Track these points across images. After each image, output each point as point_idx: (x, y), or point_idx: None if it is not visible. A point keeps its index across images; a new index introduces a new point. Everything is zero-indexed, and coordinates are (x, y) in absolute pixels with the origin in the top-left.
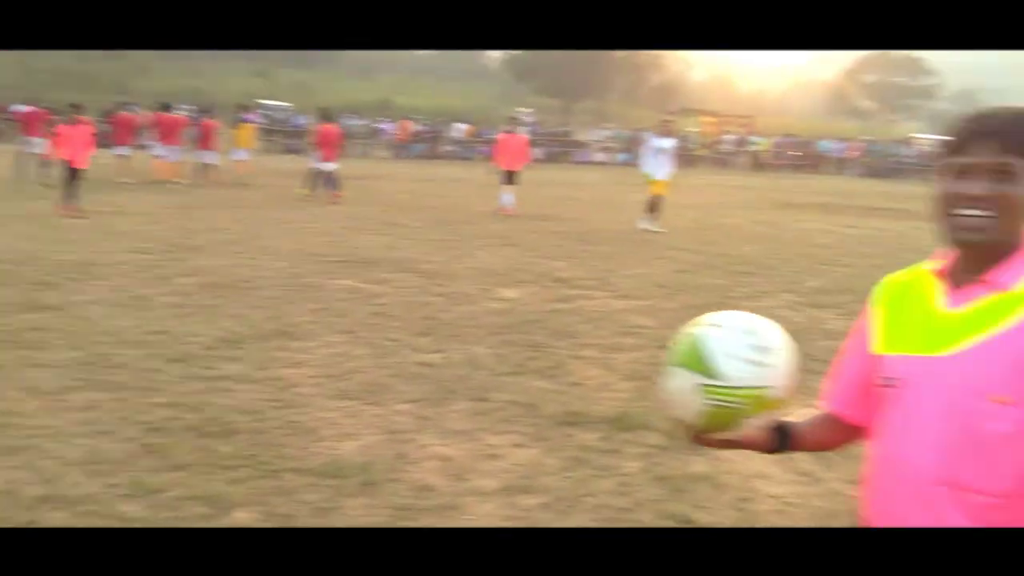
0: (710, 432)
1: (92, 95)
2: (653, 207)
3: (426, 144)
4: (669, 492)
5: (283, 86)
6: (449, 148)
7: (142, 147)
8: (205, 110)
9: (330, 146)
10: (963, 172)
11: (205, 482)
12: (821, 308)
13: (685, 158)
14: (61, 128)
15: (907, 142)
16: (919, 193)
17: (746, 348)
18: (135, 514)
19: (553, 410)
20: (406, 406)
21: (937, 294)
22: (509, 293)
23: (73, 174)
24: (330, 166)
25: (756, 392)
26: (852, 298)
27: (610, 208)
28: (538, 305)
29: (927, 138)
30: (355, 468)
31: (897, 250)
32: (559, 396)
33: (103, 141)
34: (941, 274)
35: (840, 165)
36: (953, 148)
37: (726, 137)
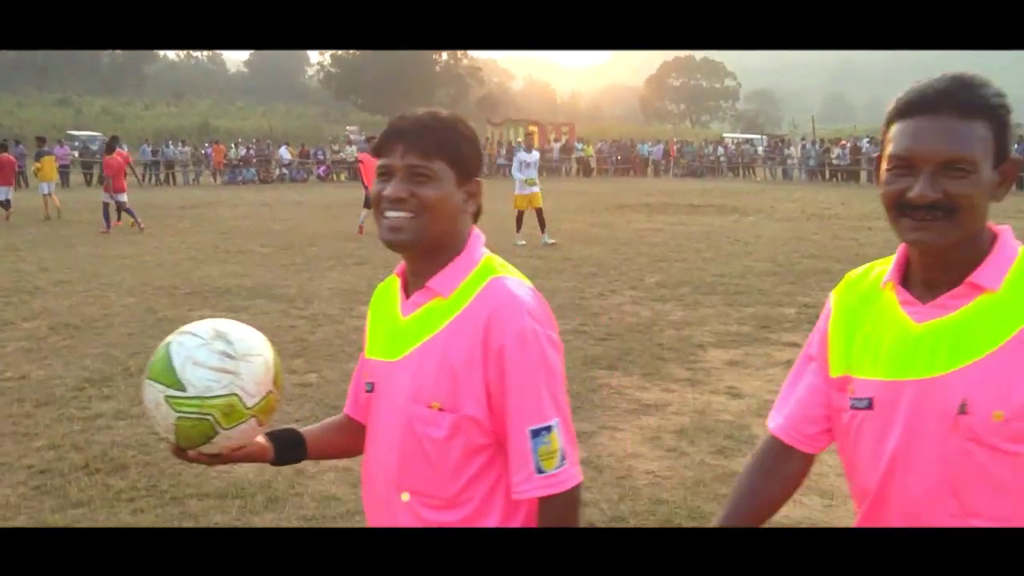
0: (189, 446)
1: None
2: (540, 221)
3: (256, 168)
4: None
5: (90, 115)
6: (280, 171)
7: None
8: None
9: (118, 176)
10: (383, 174)
11: (110, 515)
12: (664, 302)
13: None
14: None
15: (720, 142)
16: (733, 189)
17: (213, 356)
18: None
19: None
20: (293, 425)
21: (398, 300)
22: None
23: None
24: (118, 197)
25: (224, 401)
26: (690, 290)
27: None
28: None
29: (735, 137)
30: (256, 487)
31: (723, 242)
32: None
33: None
34: (400, 277)
35: (659, 167)
36: (376, 151)
37: (553, 145)
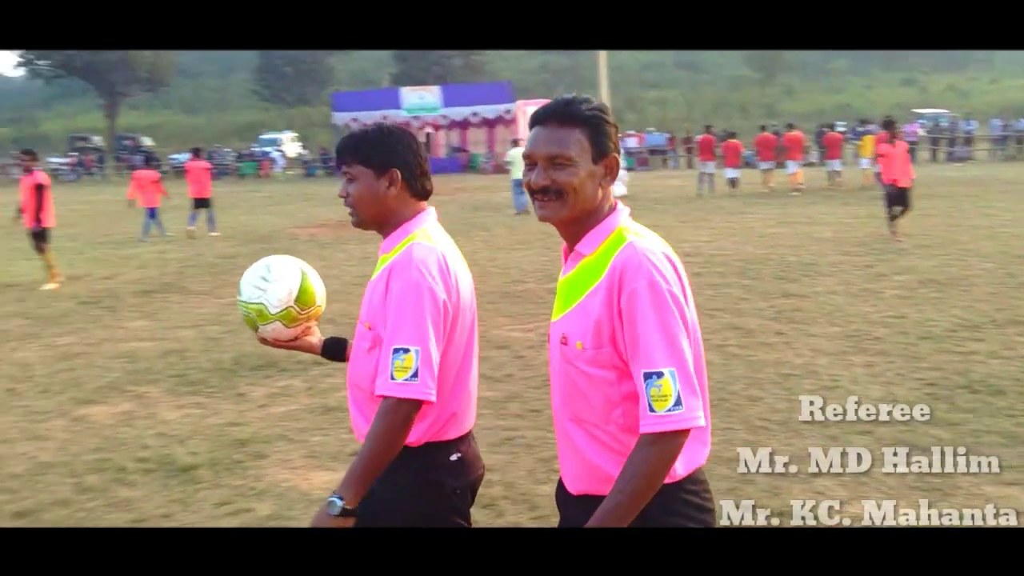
0: (253, 331)
1: (746, 120)
2: None
3: None
4: None
5: (935, 92)
6: None
7: (780, 164)
8: (827, 125)
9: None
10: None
11: (992, 422)
12: None
13: None
14: (883, 149)
15: None
16: None
17: (256, 277)
18: (940, 434)
19: None
20: None
21: None
22: None
23: (897, 194)
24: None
25: (256, 307)
26: None
27: None
28: None
29: None
30: None
31: None
32: None
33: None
34: None
35: None
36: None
37: None
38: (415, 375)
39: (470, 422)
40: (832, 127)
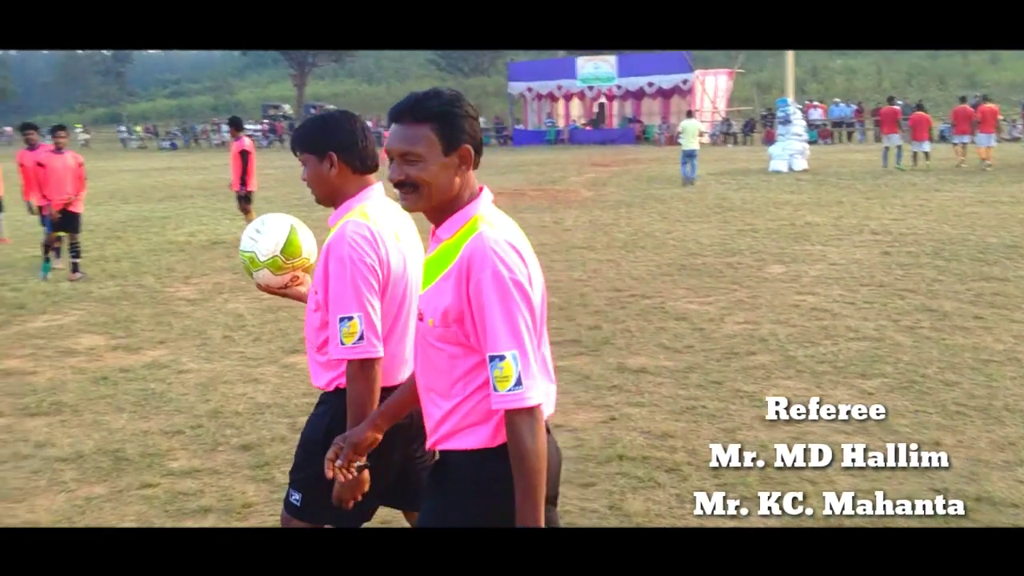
0: (250, 276)
1: (944, 92)
2: None
3: None
4: None
5: None
6: None
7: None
8: None
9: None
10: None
11: None
12: None
13: None
14: None
15: None
16: None
17: (252, 230)
18: None
19: None
20: None
21: None
22: None
23: None
24: None
25: (248, 255)
26: None
27: None
28: None
29: None
30: None
31: None
32: None
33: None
34: None
35: None
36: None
37: None
38: (361, 338)
39: (392, 380)
40: None
